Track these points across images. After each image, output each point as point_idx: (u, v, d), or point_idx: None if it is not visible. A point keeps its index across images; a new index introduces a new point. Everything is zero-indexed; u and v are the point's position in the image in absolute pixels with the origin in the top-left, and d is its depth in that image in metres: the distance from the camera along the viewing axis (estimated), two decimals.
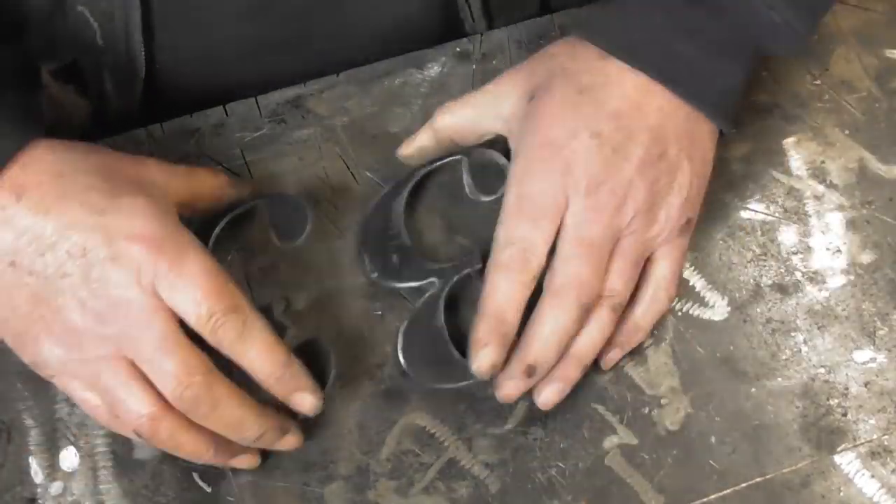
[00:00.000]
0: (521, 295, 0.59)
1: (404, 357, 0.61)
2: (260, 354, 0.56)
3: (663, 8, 0.62)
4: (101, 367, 0.55)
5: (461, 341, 0.61)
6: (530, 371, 0.59)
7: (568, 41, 0.65)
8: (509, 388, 0.60)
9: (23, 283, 0.55)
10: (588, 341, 0.60)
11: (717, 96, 0.63)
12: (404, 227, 0.65)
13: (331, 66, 0.72)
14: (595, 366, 0.62)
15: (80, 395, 0.57)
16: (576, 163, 0.60)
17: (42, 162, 0.57)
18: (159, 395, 0.55)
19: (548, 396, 0.61)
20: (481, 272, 0.62)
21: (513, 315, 0.59)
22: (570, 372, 0.61)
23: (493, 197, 0.64)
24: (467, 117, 0.66)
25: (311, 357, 0.60)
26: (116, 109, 0.73)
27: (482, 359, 0.59)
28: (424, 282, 0.63)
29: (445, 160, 0.67)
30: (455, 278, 0.63)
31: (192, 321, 0.55)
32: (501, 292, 0.59)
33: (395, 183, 0.66)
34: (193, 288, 0.55)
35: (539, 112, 0.62)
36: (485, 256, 0.62)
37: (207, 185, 0.63)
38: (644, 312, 0.62)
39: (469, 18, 0.74)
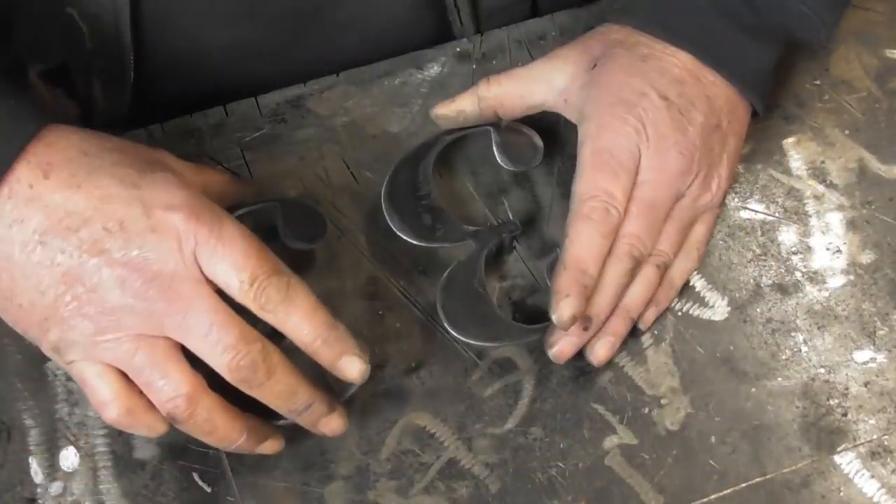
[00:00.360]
0: (603, 247, 0.60)
1: (445, 314, 0.61)
2: (305, 316, 0.55)
3: None
4: (137, 347, 0.54)
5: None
6: (587, 323, 0.60)
7: (612, 27, 0.66)
8: (565, 345, 0.61)
9: (54, 262, 0.54)
10: (636, 296, 0.62)
11: (754, 77, 0.65)
12: (434, 189, 0.65)
13: (320, 70, 0.72)
14: (595, 366, 0.62)
15: (95, 384, 0.55)
16: (647, 121, 0.62)
17: (68, 140, 0.56)
18: (196, 375, 0.54)
19: (601, 351, 0.62)
20: (517, 239, 0.65)
21: (594, 266, 0.60)
22: (620, 326, 0.62)
23: (522, 168, 0.66)
24: (516, 90, 0.67)
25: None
26: (104, 112, 0.73)
27: (564, 309, 0.59)
28: (460, 243, 0.64)
29: (474, 129, 0.68)
30: (493, 242, 0.64)
31: (235, 287, 0.54)
32: (584, 244, 0.60)
33: (419, 146, 0.67)
34: (235, 253, 0.54)
35: (606, 76, 0.63)
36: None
37: (214, 180, 0.62)
38: (678, 270, 0.64)
39: (458, 22, 0.74)
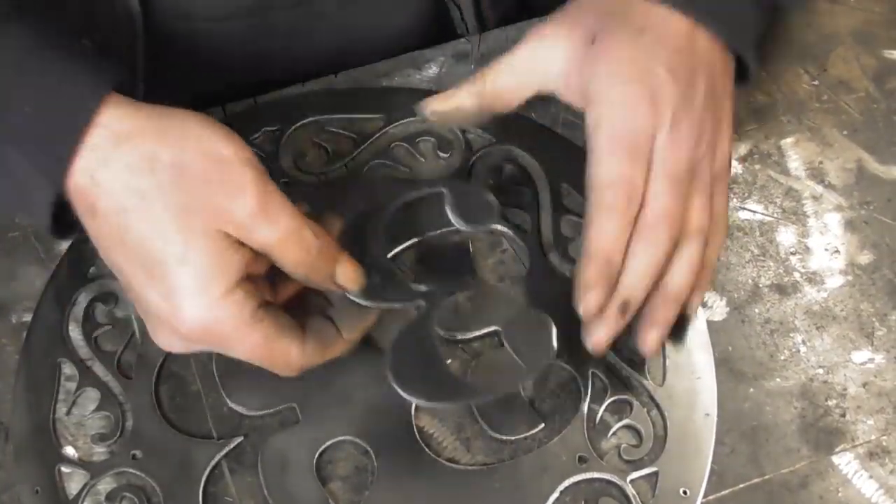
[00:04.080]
0: (626, 235, 0.59)
1: (393, 374, 0.58)
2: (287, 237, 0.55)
3: None
4: None
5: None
6: (624, 308, 0.59)
7: None
8: (602, 332, 0.59)
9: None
10: (681, 278, 0.60)
11: (749, 38, 0.63)
12: (383, 250, 0.63)
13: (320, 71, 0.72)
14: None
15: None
16: (658, 98, 0.60)
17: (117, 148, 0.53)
18: None
19: (653, 341, 0.60)
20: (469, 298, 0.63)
21: (619, 256, 0.58)
22: (670, 313, 0.60)
23: (478, 227, 0.64)
24: (512, 81, 0.64)
25: None
26: None
27: (590, 301, 0.58)
28: (410, 303, 0.61)
29: (426, 192, 0.65)
30: (443, 301, 0.62)
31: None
32: (608, 234, 0.58)
33: (373, 205, 0.65)
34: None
35: (608, 53, 0.61)
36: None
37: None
38: (712, 246, 0.62)
39: (462, 24, 0.74)
